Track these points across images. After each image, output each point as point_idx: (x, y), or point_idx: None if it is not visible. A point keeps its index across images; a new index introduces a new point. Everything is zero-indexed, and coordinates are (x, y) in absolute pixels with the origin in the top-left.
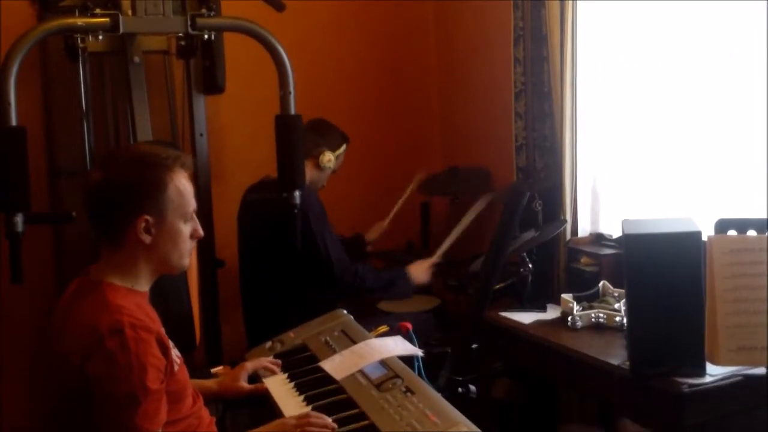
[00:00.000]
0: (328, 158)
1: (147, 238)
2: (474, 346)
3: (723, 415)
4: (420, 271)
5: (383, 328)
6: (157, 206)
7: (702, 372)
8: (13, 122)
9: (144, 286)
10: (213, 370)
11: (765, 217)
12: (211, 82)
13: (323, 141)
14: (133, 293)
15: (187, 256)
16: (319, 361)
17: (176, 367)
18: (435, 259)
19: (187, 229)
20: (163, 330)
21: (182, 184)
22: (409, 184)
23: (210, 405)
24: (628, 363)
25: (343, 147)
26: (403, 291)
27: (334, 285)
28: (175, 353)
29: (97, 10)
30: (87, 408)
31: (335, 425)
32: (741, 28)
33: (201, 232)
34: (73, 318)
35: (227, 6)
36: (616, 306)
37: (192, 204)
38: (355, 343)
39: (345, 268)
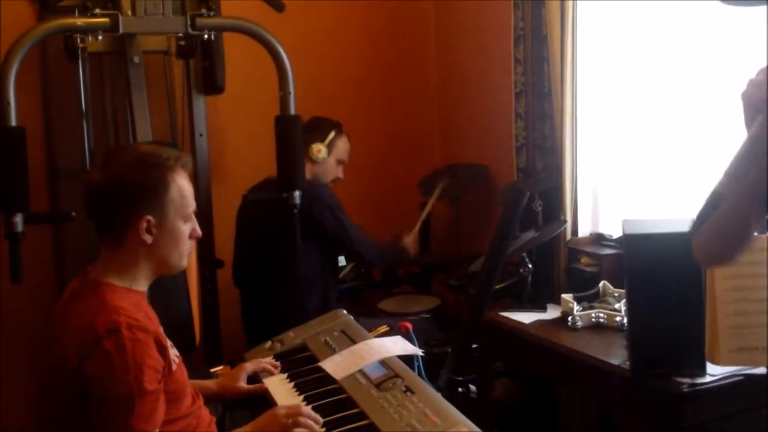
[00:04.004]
0: (318, 149)
1: (149, 239)
2: (474, 346)
3: (723, 415)
4: (413, 241)
5: (383, 328)
6: (160, 207)
7: (702, 372)
8: (13, 122)
9: (142, 285)
10: (213, 370)
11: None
12: (210, 82)
13: (310, 137)
14: (131, 293)
15: (185, 256)
16: (318, 361)
17: (174, 367)
18: (418, 228)
19: (187, 229)
20: (161, 330)
21: (183, 184)
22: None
23: (210, 405)
24: (628, 363)
25: (332, 134)
26: (400, 263)
27: (354, 259)
28: (173, 353)
29: (97, 10)
30: (85, 408)
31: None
32: (741, 29)
33: (199, 232)
34: (71, 318)
35: (227, 6)
36: (617, 306)
37: (192, 204)
38: (355, 343)
39: (364, 244)
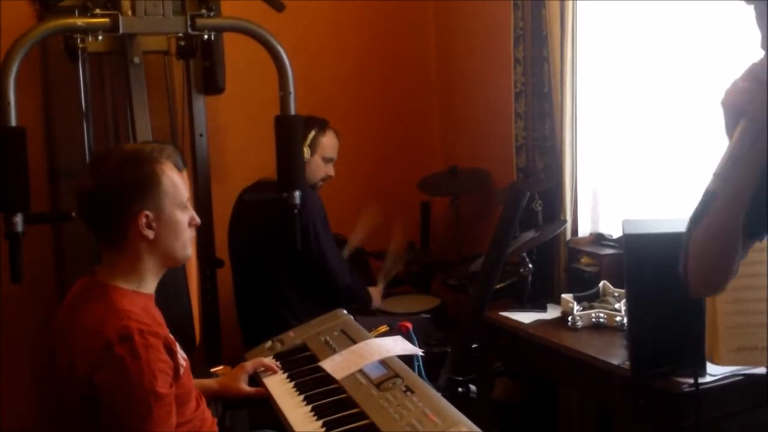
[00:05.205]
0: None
1: (150, 234)
2: (474, 346)
3: (723, 415)
4: (377, 295)
5: (383, 328)
6: (155, 200)
7: (702, 372)
8: (13, 122)
9: (150, 286)
10: (213, 370)
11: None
12: (210, 82)
13: None
14: (139, 296)
15: (189, 245)
16: (319, 360)
17: (182, 371)
18: (383, 285)
19: (185, 218)
20: (168, 332)
21: (172, 175)
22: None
23: (210, 404)
24: (628, 363)
25: (312, 133)
26: (364, 299)
27: (328, 284)
28: (181, 355)
29: (97, 11)
30: (93, 412)
31: None
32: (740, 29)
33: (197, 219)
34: (79, 322)
35: (227, 6)
36: (617, 306)
37: (185, 193)
38: (355, 343)
39: (342, 269)
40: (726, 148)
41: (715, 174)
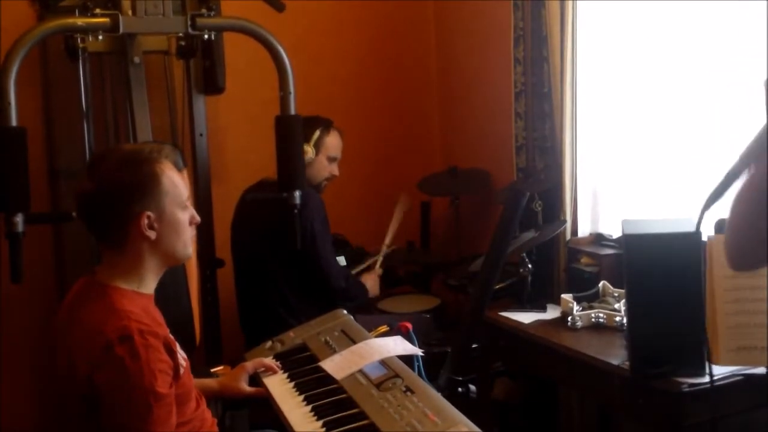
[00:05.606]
0: (304, 150)
1: (152, 234)
2: (474, 346)
3: (723, 415)
4: (373, 283)
5: (383, 328)
6: (156, 200)
7: (702, 372)
8: (13, 122)
9: (149, 286)
10: (213, 370)
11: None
12: (211, 82)
13: None
14: (139, 296)
15: (190, 244)
16: (319, 360)
17: (182, 371)
18: (379, 270)
19: (186, 216)
20: (168, 332)
21: (172, 174)
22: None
23: (210, 404)
24: (628, 363)
25: (317, 133)
26: (362, 300)
27: (325, 286)
28: (181, 355)
29: (97, 10)
30: (93, 412)
31: None
32: (741, 29)
33: (198, 218)
34: (79, 322)
35: (227, 6)
36: (616, 306)
37: (185, 192)
38: (355, 343)
39: (337, 271)
40: (760, 130)
41: (741, 157)
